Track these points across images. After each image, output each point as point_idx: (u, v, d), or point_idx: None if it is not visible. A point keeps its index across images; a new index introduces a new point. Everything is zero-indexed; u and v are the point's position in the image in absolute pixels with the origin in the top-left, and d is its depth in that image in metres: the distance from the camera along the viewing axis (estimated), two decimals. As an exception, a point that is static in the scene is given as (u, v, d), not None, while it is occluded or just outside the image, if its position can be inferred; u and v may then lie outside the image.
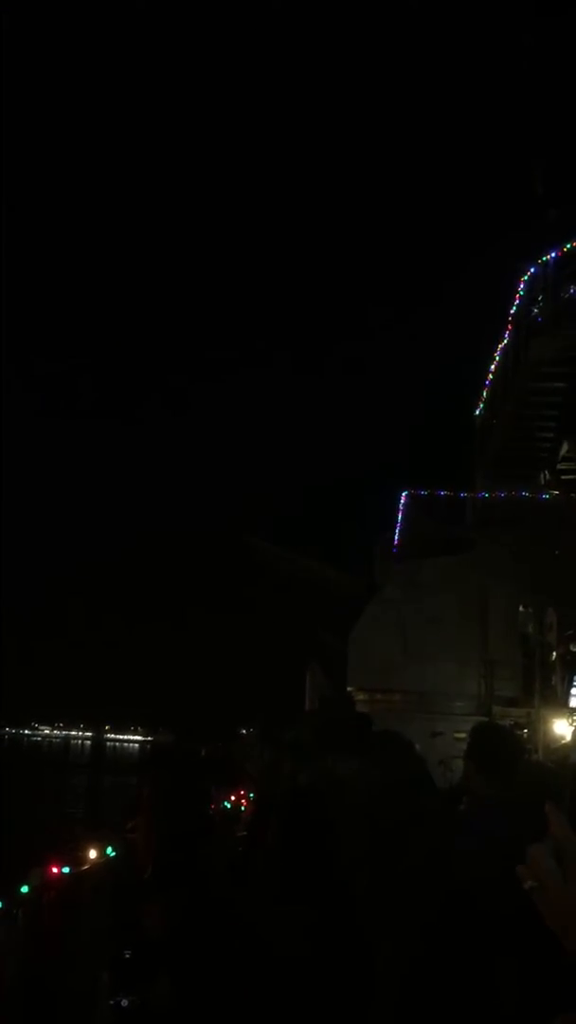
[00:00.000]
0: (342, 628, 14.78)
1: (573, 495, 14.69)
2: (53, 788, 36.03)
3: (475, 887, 1.81)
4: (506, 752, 3.00)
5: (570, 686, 11.40)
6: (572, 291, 12.77)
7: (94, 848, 4.87)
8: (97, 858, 4.83)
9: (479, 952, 1.74)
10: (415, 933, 1.76)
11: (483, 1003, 1.71)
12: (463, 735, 3.61)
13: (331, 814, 2.37)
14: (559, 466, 14.79)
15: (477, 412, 17.37)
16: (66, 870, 4.51)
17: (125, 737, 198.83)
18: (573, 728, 10.64)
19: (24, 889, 4.14)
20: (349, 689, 13.73)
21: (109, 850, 4.90)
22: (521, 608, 12.94)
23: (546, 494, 15.36)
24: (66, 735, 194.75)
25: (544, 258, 13.20)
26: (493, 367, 15.80)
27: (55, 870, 4.43)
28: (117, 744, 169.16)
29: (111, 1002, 2.18)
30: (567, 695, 11.38)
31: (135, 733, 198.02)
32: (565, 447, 14.14)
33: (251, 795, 6.25)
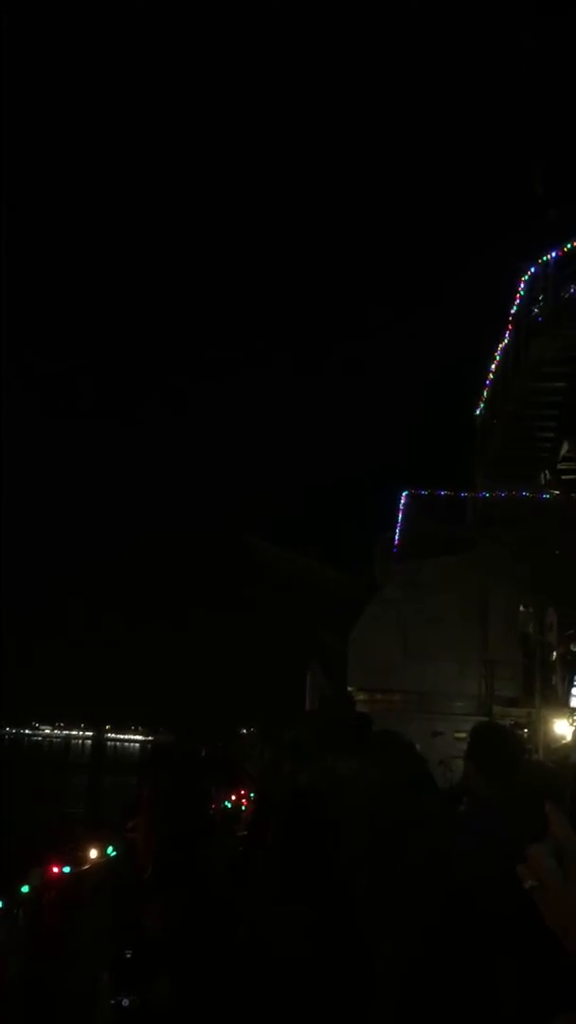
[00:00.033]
0: (342, 628, 14.78)
1: (573, 495, 14.70)
2: (53, 788, 36.04)
3: (475, 887, 1.81)
4: (506, 752, 3.00)
5: (570, 686, 11.39)
6: (573, 291, 12.77)
7: (94, 848, 4.87)
8: (97, 858, 4.83)
9: (479, 952, 1.74)
10: (415, 933, 1.76)
11: (483, 1003, 1.71)
12: (463, 735, 3.61)
13: (331, 814, 2.37)
14: (559, 466, 14.79)
15: (477, 412, 17.38)
16: (66, 870, 4.51)
17: (125, 737, 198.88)
18: (573, 728, 10.64)
19: (25, 889, 4.14)
20: (349, 689, 13.73)
21: (110, 850, 4.91)
22: (521, 608, 12.94)
23: (546, 494, 15.36)
24: (66, 735, 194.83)
25: (544, 258, 13.20)
26: (493, 367, 15.80)
27: (55, 870, 4.44)
28: (117, 744, 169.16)
29: (112, 1002, 2.18)
30: (567, 695, 11.38)
31: (135, 733, 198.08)
32: (565, 447, 14.14)
33: (251, 795, 6.26)
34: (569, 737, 10.37)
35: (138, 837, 2.41)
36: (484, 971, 1.73)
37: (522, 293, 13.67)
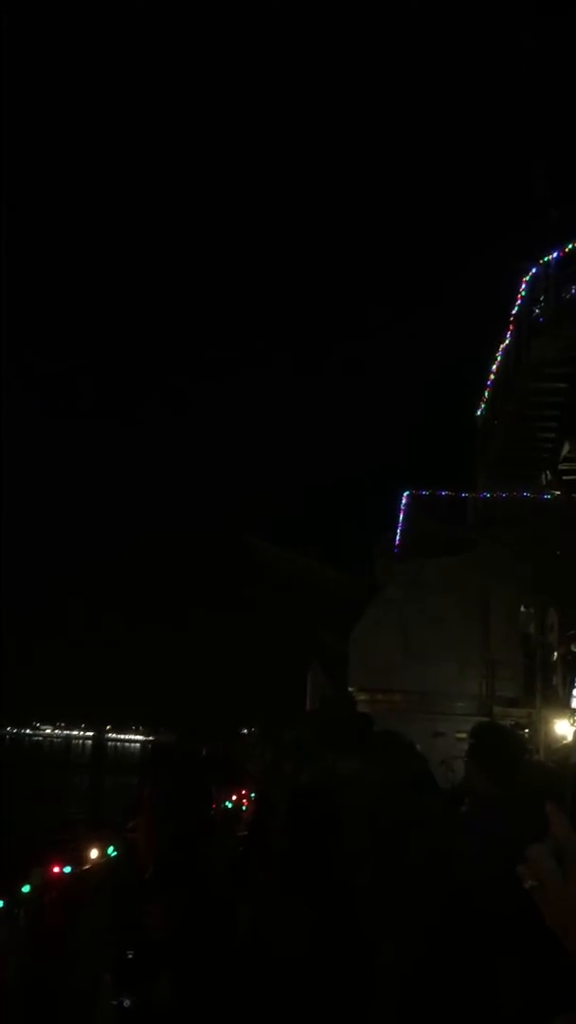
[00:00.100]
0: (342, 628, 14.79)
1: (574, 495, 14.69)
2: (54, 788, 36.04)
3: (476, 887, 1.81)
4: (507, 752, 3.00)
5: (571, 687, 11.38)
6: (574, 291, 12.76)
7: (95, 848, 4.87)
8: (98, 858, 4.83)
9: (480, 952, 1.74)
10: (416, 933, 1.76)
11: (484, 1003, 1.72)
12: (464, 735, 3.61)
13: (332, 814, 2.37)
14: (560, 466, 14.78)
15: (479, 412, 17.37)
16: (67, 870, 4.51)
17: (126, 737, 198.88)
18: (574, 729, 10.63)
19: (26, 889, 4.14)
20: (350, 689, 13.73)
21: (110, 850, 4.91)
22: (522, 608, 12.94)
23: (547, 494, 15.36)
24: (67, 735, 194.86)
25: (546, 258, 13.20)
26: (494, 367, 15.80)
27: (56, 870, 4.44)
28: (118, 744, 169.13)
29: (113, 1002, 2.19)
30: (568, 695, 11.36)
31: (136, 733, 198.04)
32: (567, 447, 14.12)
33: (252, 795, 6.26)
34: (570, 737, 10.36)
35: (139, 837, 2.41)
36: (485, 971, 1.73)
37: (523, 293, 13.66)
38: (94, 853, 4.83)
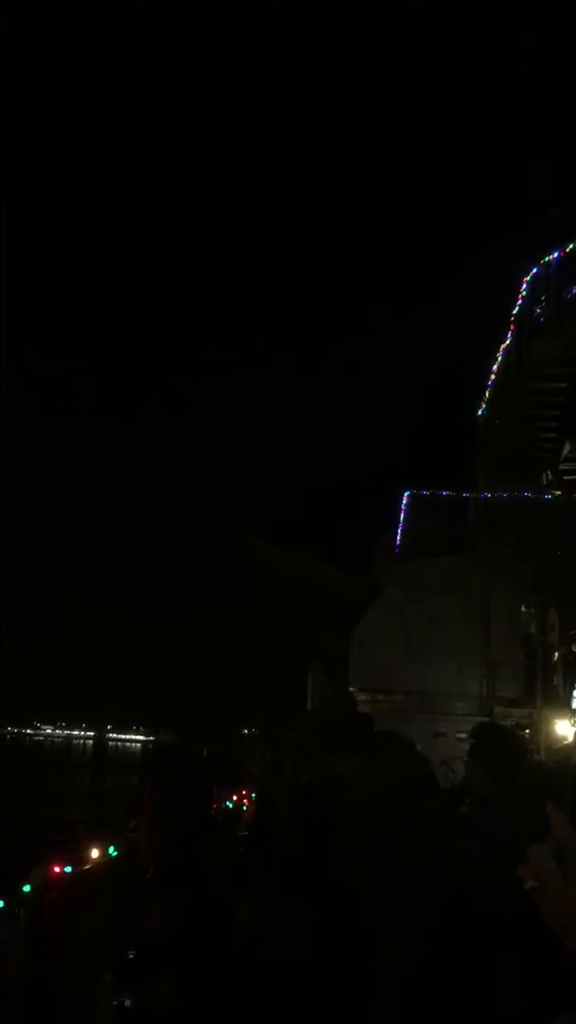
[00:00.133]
0: (342, 628, 14.79)
1: (575, 495, 14.68)
2: (55, 788, 36.04)
3: (477, 887, 1.81)
4: (508, 752, 3.00)
5: (572, 687, 11.37)
6: (575, 291, 12.76)
7: (96, 848, 4.87)
8: (99, 858, 4.83)
9: (481, 952, 1.74)
10: (417, 933, 1.76)
11: (484, 1003, 1.71)
12: (465, 735, 3.61)
13: (333, 814, 2.37)
14: (561, 466, 14.76)
15: (479, 412, 17.37)
16: (68, 870, 4.51)
17: (127, 737, 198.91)
18: (575, 729, 10.63)
19: (26, 888, 4.14)
20: (351, 689, 13.73)
21: (111, 850, 4.91)
22: (523, 608, 12.94)
23: (548, 494, 15.35)
24: (68, 735, 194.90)
25: (547, 258, 13.19)
26: (495, 367, 15.79)
27: (57, 869, 4.44)
28: (119, 744, 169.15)
29: (115, 1002, 2.19)
30: (569, 696, 11.36)
31: (137, 733, 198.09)
32: (567, 447, 14.11)
33: (253, 795, 6.25)
34: (571, 738, 10.35)
35: (139, 837, 2.41)
36: (485, 971, 1.73)
37: (524, 293, 13.66)
38: (94, 853, 4.84)
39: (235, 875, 2.97)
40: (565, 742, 10.30)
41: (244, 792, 7.24)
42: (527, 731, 11.01)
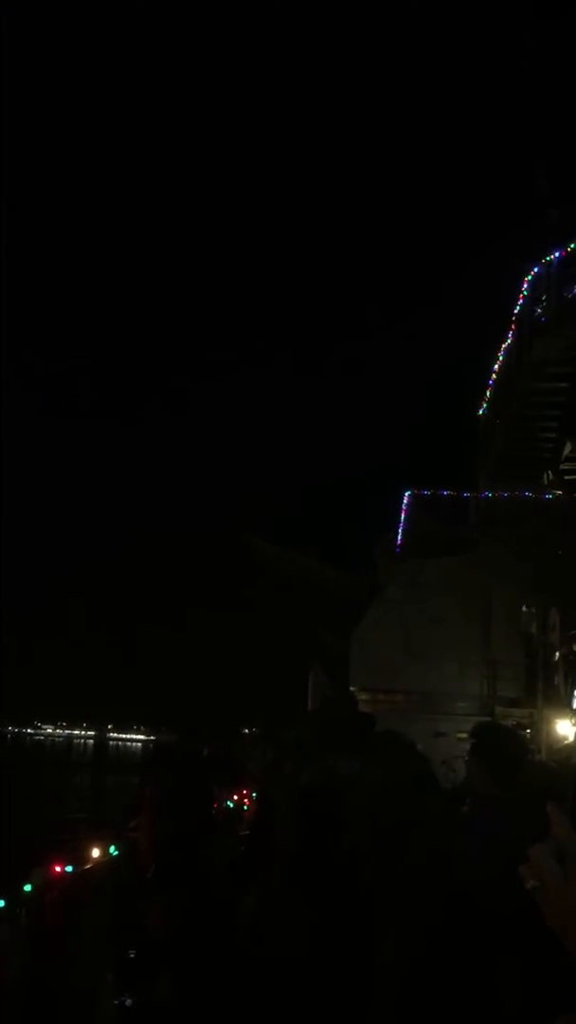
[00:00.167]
0: (343, 628, 14.79)
1: (576, 495, 14.69)
2: (56, 787, 36.05)
3: (477, 887, 1.81)
4: (509, 752, 3.00)
5: (573, 687, 11.37)
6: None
7: (97, 847, 4.88)
8: (100, 857, 4.84)
9: (481, 952, 1.74)
10: (417, 933, 1.76)
11: (485, 1003, 1.71)
12: (465, 735, 3.61)
13: (333, 814, 2.37)
14: (562, 466, 14.77)
15: (480, 412, 17.37)
16: (69, 869, 4.52)
17: (128, 736, 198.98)
18: (576, 729, 10.63)
19: (27, 888, 4.15)
20: (352, 689, 13.74)
21: (112, 849, 4.92)
22: (524, 608, 12.94)
23: (549, 494, 15.35)
24: (68, 734, 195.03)
25: (548, 258, 13.19)
26: (496, 367, 15.80)
27: (58, 869, 4.44)
28: (119, 743, 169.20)
29: (115, 1002, 2.19)
30: (570, 696, 11.35)
31: (137, 732, 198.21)
32: (568, 447, 14.12)
33: (254, 795, 6.26)
34: (572, 738, 10.35)
35: (140, 837, 2.41)
36: (486, 971, 1.73)
37: (525, 293, 13.66)
38: (95, 853, 4.84)
39: (236, 875, 2.97)
40: (566, 742, 10.30)
41: (245, 792, 7.24)
42: (528, 731, 11.01)
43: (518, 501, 15.56)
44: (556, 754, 9.62)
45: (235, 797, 7.38)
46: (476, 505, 16.26)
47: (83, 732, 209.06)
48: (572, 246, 12.89)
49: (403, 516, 16.75)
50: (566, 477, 14.89)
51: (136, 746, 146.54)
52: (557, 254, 13.04)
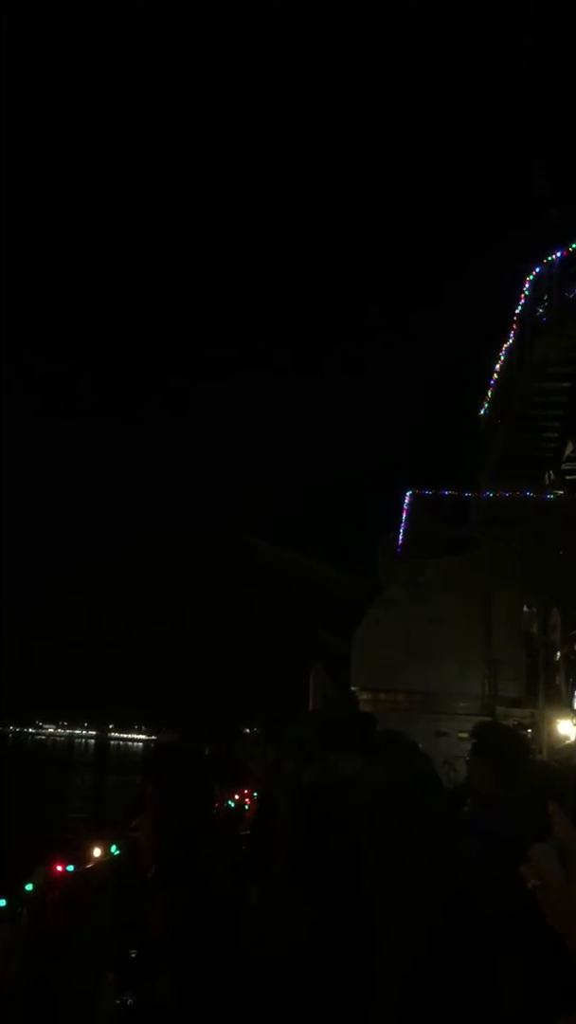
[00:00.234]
0: (343, 628, 14.80)
1: (577, 495, 14.67)
2: (57, 787, 36.06)
3: (479, 887, 1.81)
4: (510, 752, 3.00)
5: (574, 687, 11.37)
6: (577, 291, 12.75)
7: (98, 847, 4.88)
8: (101, 857, 4.84)
9: (482, 952, 1.74)
10: (418, 933, 1.76)
11: (486, 1003, 1.71)
12: (467, 735, 3.61)
13: (334, 814, 2.37)
14: (564, 466, 14.77)
15: (482, 412, 17.36)
16: (70, 869, 4.52)
17: (129, 736, 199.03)
18: (577, 729, 10.62)
19: (28, 887, 4.15)
20: (353, 689, 13.74)
21: (113, 849, 4.92)
22: (525, 608, 12.94)
23: (550, 494, 15.34)
24: (70, 734, 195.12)
25: (549, 258, 13.19)
26: (498, 367, 15.79)
27: (59, 868, 4.44)
28: (121, 743, 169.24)
29: (116, 1001, 2.19)
30: (571, 696, 11.35)
31: (139, 732, 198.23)
32: (570, 447, 14.11)
33: (255, 794, 6.26)
34: (573, 737, 10.35)
35: (141, 836, 2.41)
36: (487, 971, 1.73)
37: (527, 293, 13.65)
38: (96, 852, 4.85)
39: (237, 874, 2.97)
40: (567, 742, 10.30)
41: (246, 791, 7.24)
42: (529, 731, 11.01)
43: (519, 501, 15.55)
44: (557, 754, 9.62)
45: (236, 797, 7.38)
46: (477, 505, 16.25)
47: (84, 732, 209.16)
48: (573, 246, 12.88)
49: (404, 516, 16.75)
50: (567, 477, 14.88)
51: (137, 746, 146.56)
52: (559, 254, 13.03)
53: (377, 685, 13.39)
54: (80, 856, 4.74)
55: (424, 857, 1.84)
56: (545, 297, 13.18)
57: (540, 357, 12.85)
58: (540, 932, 1.09)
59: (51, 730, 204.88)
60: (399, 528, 16.81)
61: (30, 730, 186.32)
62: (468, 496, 16.59)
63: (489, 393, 16.68)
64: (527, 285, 13.63)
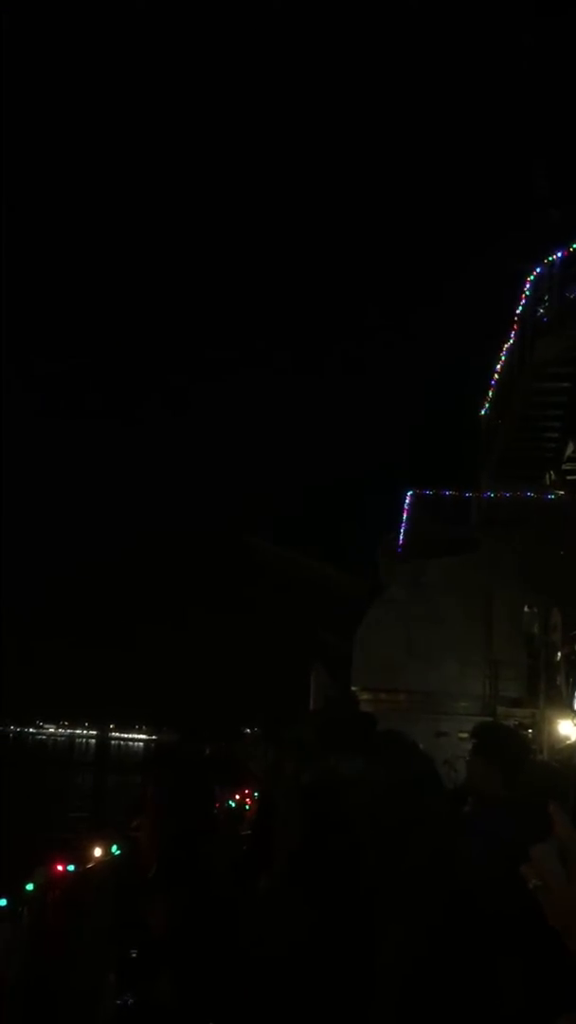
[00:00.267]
0: (343, 628, 14.80)
1: (578, 495, 14.67)
2: (57, 786, 36.07)
3: (479, 887, 1.81)
4: (511, 752, 3.00)
5: (575, 687, 11.37)
6: (578, 291, 12.75)
7: (99, 846, 4.88)
8: (101, 856, 4.84)
9: (483, 952, 1.74)
10: (418, 933, 1.76)
11: (486, 1003, 1.71)
12: (467, 735, 3.61)
13: (334, 814, 2.37)
14: (564, 466, 14.77)
15: (482, 412, 17.36)
16: (71, 868, 4.52)
17: (129, 736, 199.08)
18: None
19: (29, 887, 4.15)
20: (353, 689, 13.74)
21: (114, 848, 4.92)
22: (526, 608, 12.93)
23: (551, 494, 15.34)
24: (70, 734, 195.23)
25: (550, 258, 13.19)
26: (499, 367, 15.79)
27: (60, 868, 4.44)
28: (121, 743, 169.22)
29: (117, 1001, 2.19)
30: (572, 696, 11.35)
31: (139, 732, 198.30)
32: (570, 447, 14.11)
33: (256, 794, 6.26)
34: (574, 738, 10.35)
35: (142, 836, 2.41)
36: (487, 971, 1.73)
37: (527, 293, 13.65)
38: (97, 852, 4.84)
39: (237, 874, 2.97)
40: (568, 742, 10.29)
41: (246, 791, 7.24)
42: (530, 731, 11.01)
43: (520, 501, 15.56)
44: (558, 754, 9.62)
45: (237, 797, 7.38)
46: (478, 505, 16.25)
47: (85, 732, 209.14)
48: (574, 246, 12.88)
49: (405, 516, 16.76)
50: (568, 477, 14.87)
51: (138, 745, 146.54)
52: (559, 254, 13.03)
53: (377, 685, 13.39)
54: (80, 856, 4.73)
55: (424, 857, 1.84)
56: (546, 297, 13.18)
57: (540, 357, 12.85)
58: (540, 932, 1.09)
59: (52, 730, 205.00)
60: (399, 528, 16.82)
61: (31, 730, 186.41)
62: (469, 496, 16.60)
63: (489, 393, 16.68)
64: (527, 285, 13.63)
